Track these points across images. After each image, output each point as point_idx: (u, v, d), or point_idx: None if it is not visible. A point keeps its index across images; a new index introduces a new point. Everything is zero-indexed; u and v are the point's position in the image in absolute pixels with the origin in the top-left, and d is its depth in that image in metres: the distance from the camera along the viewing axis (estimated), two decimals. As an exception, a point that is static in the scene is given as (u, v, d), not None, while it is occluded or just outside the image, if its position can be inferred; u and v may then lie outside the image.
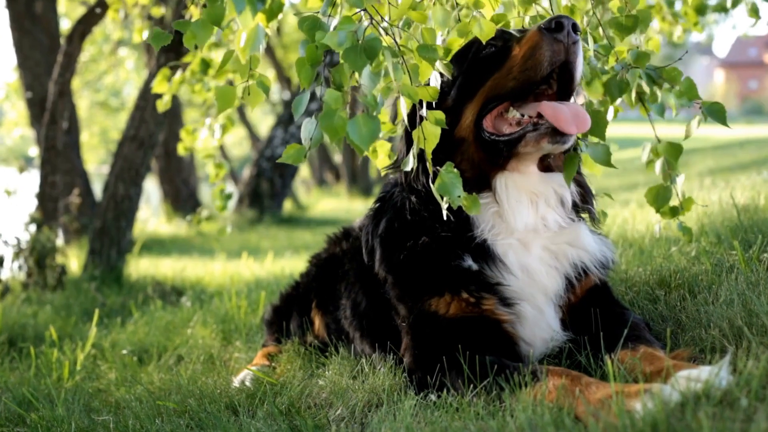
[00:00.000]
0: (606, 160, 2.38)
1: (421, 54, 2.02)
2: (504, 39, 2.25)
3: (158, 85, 3.91)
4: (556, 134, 2.15)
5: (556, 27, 2.10)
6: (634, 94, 2.42)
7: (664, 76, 2.39)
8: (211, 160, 4.11)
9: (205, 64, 3.80)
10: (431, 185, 2.03)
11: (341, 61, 1.86)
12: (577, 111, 2.16)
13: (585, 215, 2.41)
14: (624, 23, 2.40)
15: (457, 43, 2.32)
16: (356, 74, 1.89)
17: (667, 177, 2.49)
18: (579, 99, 2.45)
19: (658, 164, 2.50)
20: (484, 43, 2.21)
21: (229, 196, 4.07)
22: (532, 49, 2.13)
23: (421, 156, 2.08)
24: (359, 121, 1.85)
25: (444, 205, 2.04)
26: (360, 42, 1.85)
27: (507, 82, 2.19)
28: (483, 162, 2.25)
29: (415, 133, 2.01)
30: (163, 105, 3.97)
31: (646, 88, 2.42)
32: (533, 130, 2.17)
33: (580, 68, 2.17)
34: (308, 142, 1.92)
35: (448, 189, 2.00)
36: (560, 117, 2.13)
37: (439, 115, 2.00)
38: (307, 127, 1.92)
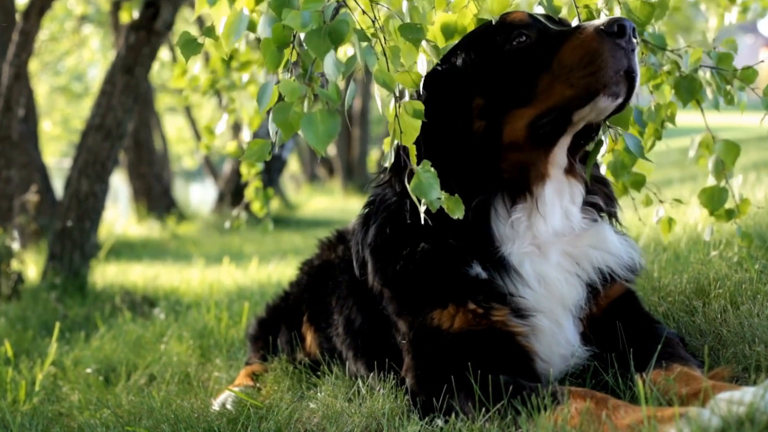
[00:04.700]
0: (638, 153, 2.40)
1: (404, 35, 1.96)
2: (538, 29, 2.22)
3: (176, 80, 3.98)
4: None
5: (618, 31, 2.07)
6: (711, 95, 2.47)
7: (739, 77, 2.43)
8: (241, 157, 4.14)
9: (229, 56, 3.80)
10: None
11: (304, 44, 1.80)
12: None
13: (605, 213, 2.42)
14: (640, 12, 2.38)
15: (447, 22, 2.28)
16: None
17: (721, 177, 2.52)
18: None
19: (711, 162, 2.53)
20: (497, 22, 2.20)
21: (268, 194, 4.07)
22: (592, 56, 2.09)
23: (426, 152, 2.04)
24: (316, 117, 1.77)
25: (422, 208, 2.01)
26: (326, 24, 1.77)
27: (563, 89, 2.14)
28: (528, 164, 2.24)
29: (390, 126, 1.97)
30: (183, 101, 4.08)
31: (710, 90, 2.48)
32: None
33: (639, 77, 2.16)
34: (275, 135, 1.88)
35: (425, 190, 1.95)
36: None
37: (418, 106, 1.96)
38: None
